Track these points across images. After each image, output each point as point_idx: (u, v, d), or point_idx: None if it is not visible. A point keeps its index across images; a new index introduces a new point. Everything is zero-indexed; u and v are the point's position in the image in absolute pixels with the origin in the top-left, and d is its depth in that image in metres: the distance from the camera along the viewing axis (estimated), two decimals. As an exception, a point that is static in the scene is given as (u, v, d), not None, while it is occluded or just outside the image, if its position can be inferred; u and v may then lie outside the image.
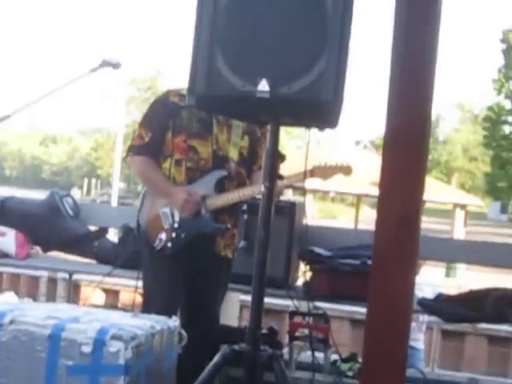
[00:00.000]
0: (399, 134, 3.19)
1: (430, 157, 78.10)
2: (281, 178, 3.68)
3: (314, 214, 36.92)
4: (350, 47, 3.31)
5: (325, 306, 5.37)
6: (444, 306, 5.49)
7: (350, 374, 5.28)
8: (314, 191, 30.44)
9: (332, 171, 4.66)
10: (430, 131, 3.28)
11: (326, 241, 5.77)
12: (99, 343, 3.32)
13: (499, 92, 50.39)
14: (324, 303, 5.38)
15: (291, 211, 5.52)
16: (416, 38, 3.25)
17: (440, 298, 5.58)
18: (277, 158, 3.45)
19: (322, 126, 3.52)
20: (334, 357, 5.35)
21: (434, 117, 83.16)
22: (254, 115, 3.77)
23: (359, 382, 3.43)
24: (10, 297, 4.23)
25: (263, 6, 3.34)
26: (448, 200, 36.62)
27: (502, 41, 49.84)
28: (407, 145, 3.19)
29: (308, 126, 3.62)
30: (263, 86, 3.22)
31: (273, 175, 3.41)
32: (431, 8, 3.23)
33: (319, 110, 3.30)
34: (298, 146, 58.68)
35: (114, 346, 3.32)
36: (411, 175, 3.17)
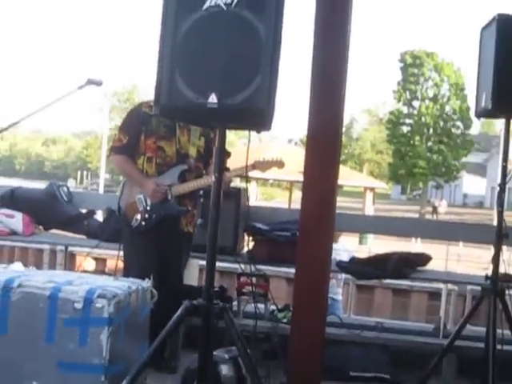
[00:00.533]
0: (318, 134, 3.37)
1: (346, 151, 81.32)
2: (227, 170, 3.88)
3: (257, 197, 36.92)
4: (280, 66, 3.39)
5: (265, 268, 5.50)
6: (356, 267, 5.72)
7: (285, 320, 5.50)
8: (257, 179, 30.68)
9: (269, 165, 4.93)
10: (341, 131, 3.48)
11: (265, 217, 5.95)
12: (88, 301, 3.58)
13: (398, 100, 53.98)
14: (264, 266, 5.52)
15: (237, 195, 5.71)
16: (330, 56, 3.39)
17: (353, 261, 5.82)
18: (224, 154, 3.59)
19: (259, 129, 3.61)
20: (273, 307, 5.49)
21: (348, 119, 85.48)
22: (206, 121, 3.92)
23: (291, 326, 3.56)
24: (17, 266, 4.34)
25: (212, 35, 3.45)
26: (360, 184, 37.96)
27: (400, 60, 53.69)
28: (324, 142, 3.36)
29: (248, 129, 3.75)
30: (212, 98, 3.37)
31: (221, 168, 3.54)
32: (342, 33, 3.38)
33: (256, 116, 3.42)
34: (244, 143, 58.53)
35: (100, 303, 3.58)
36: (327, 166, 3.34)
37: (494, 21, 4.83)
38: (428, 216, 45.12)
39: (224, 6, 3.40)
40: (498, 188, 4.94)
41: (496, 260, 4.91)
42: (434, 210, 47.91)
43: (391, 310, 15.37)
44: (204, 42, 3.46)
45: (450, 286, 8.86)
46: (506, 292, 4.93)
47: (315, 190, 3.29)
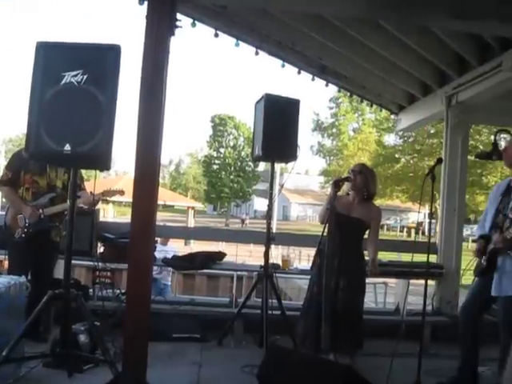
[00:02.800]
0: (142, 168, 3.35)
1: (176, 181, 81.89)
2: (79, 197, 3.80)
3: (114, 214, 35.86)
4: (116, 123, 3.40)
5: (111, 265, 5.36)
6: (175, 262, 5.72)
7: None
8: (114, 202, 29.91)
9: (113, 193, 4.87)
10: (159, 168, 3.46)
11: (113, 229, 5.79)
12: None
13: (210, 147, 54.91)
14: (111, 264, 5.37)
15: (92, 214, 5.50)
16: (151, 114, 3.37)
17: (174, 257, 5.81)
18: (76, 187, 3.56)
19: (101, 169, 3.63)
20: (118, 292, 5.31)
21: (177, 160, 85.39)
22: (63, 163, 3.89)
23: (126, 304, 3.50)
24: None
25: (68, 102, 3.41)
26: (185, 204, 38.01)
27: (211, 121, 54.40)
28: (146, 174, 3.34)
29: (94, 168, 3.73)
30: (67, 147, 3.32)
31: (74, 196, 3.48)
32: (159, 98, 3.39)
33: (99, 160, 3.43)
34: (104, 177, 57.12)
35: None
36: (149, 192, 3.31)
37: (263, 98, 5.03)
38: (237, 226, 45.62)
39: (76, 83, 3.38)
40: (267, 207, 5.16)
41: (266, 255, 5.09)
42: (242, 222, 48.69)
43: (207, 290, 15.55)
44: (62, 107, 3.41)
45: (244, 272, 9.09)
46: (274, 275, 5.12)
47: (141, 209, 3.29)
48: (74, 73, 3.36)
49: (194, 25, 5.29)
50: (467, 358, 4.23)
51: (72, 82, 3.37)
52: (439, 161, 4.16)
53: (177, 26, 3.53)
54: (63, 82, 3.37)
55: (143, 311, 3.39)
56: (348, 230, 4.43)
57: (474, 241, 4.33)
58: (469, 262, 4.27)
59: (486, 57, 5.49)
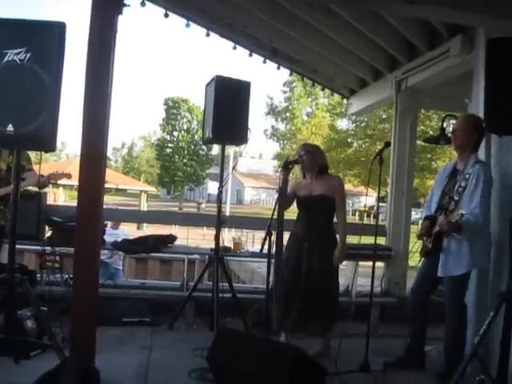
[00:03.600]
0: (88, 152, 3.28)
1: (128, 165, 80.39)
2: (23, 179, 3.68)
3: (65, 198, 35.07)
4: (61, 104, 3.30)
5: (60, 248, 5.25)
6: (125, 246, 5.63)
7: (74, 285, 5.25)
8: (64, 185, 29.05)
9: (60, 176, 4.70)
10: (106, 151, 3.38)
11: (61, 212, 5.65)
12: None
13: (163, 131, 53.79)
14: (60, 248, 5.26)
15: (39, 197, 5.34)
16: (97, 98, 3.29)
17: (124, 241, 5.71)
18: (20, 169, 3.44)
19: (46, 150, 3.56)
20: (66, 276, 5.22)
21: (130, 143, 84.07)
22: (6, 145, 3.74)
23: (72, 288, 3.44)
24: None
25: (11, 81, 3.29)
26: (138, 188, 37.41)
27: (164, 104, 53.40)
28: (93, 158, 3.27)
29: (38, 150, 3.62)
30: (10, 127, 3.22)
31: (17, 178, 3.37)
32: (106, 79, 3.31)
33: (43, 141, 3.32)
34: (54, 160, 55.80)
35: None
36: (96, 175, 3.25)
37: (213, 79, 4.99)
38: (192, 210, 45.22)
39: (19, 61, 3.28)
40: (218, 190, 5.14)
41: (217, 238, 5.09)
42: (198, 206, 48.38)
43: (160, 274, 15.48)
44: (4, 86, 3.29)
45: (197, 256, 9.04)
46: (225, 258, 5.13)
47: (87, 192, 3.22)
48: (17, 50, 3.25)
49: (143, 4, 5.19)
50: (415, 338, 4.33)
51: (15, 60, 3.26)
52: (387, 144, 4.22)
53: (125, 5, 3.47)
54: (5, 59, 3.26)
55: (90, 296, 3.35)
56: (314, 209, 4.48)
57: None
58: (414, 244, 4.37)
59: (434, 43, 5.58)
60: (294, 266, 4.43)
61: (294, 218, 4.68)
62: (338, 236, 4.52)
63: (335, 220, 4.61)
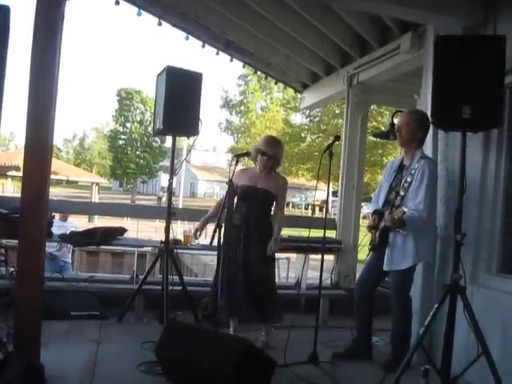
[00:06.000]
0: (33, 143, 3.19)
1: (80, 156, 79.16)
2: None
3: (14, 190, 34.10)
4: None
5: (5, 242, 5.14)
6: (73, 238, 5.50)
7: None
8: (13, 176, 28.15)
9: (7, 169, 4.56)
10: (52, 142, 3.29)
11: (7, 204, 5.47)
12: None
13: (116, 122, 52.85)
14: (5, 240, 5.14)
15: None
16: (43, 88, 3.19)
17: (72, 233, 5.57)
18: None
19: None
20: (12, 269, 5.06)
21: (81, 134, 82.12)
22: None
23: (16, 282, 3.36)
24: None
25: None
26: (90, 180, 36.53)
27: (117, 94, 52.48)
28: (38, 149, 3.18)
29: None
30: None
31: None
32: (52, 71, 3.21)
33: None
34: (2, 150, 54.64)
35: None
36: (40, 166, 3.17)
37: (164, 70, 4.93)
38: (146, 202, 44.68)
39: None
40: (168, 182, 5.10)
41: (167, 230, 5.05)
42: (159, 199, 47.80)
43: (111, 267, 15.29)
44: None
45: (148, 249, 8.94)
46: (175, 251, 5.10)
47: (31, 182, 3.13)
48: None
49: (93, -10, 5.08)
50: (362, 329, 4.41)
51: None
52: (337, 138, 4.25)
53: (72, -10, 3.37)
54: None
55: (35, 289, 3.26)
56: (254, 200, 4.49)
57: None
58: (363, 238, 4.44)
59: (386, 39, 5.66)
60: (231, 256, 4.43)
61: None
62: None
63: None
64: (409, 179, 4.02)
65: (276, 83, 8.07)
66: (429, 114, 3.76)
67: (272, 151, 4.55)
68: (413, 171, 4.02)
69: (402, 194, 4.04)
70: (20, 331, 3.29)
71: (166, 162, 51.77)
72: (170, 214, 5.01)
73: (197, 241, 6.10)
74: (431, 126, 4.06)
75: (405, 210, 3.79)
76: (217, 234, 3.74)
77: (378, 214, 4.19)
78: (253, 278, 4.44)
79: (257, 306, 4.47)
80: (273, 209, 4.66)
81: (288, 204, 32.88)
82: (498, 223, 4.08)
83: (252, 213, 4.49)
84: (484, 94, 3.37)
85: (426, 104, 4.28)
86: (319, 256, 4.25)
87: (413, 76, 5.49)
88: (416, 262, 4.08)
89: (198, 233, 4.75)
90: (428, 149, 4.31)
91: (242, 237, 4.47)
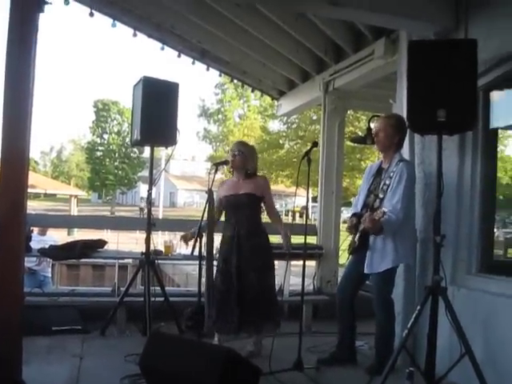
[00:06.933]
0: (10, 158, 3.14)
1: (58, 169, 77.89)
2: None
3: None
4: None
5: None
6: (52, 252, 5.45)
7: None
8: None
9: None
10: (28, 156, 3.25)
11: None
12: None
13: (93, 134, 52.67)
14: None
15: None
16: (19, 102, 3.16)
17: (51, 247, 5.51)
18: None
19: None
20: None
21: (59, 147, 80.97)
22: None
23: None
24: None
25: None
26: (68, 193, 36.20)
27: (94, 106, 52.16)
28: (15, 164, 3.14)
29: None
30: None
31: None
32: (27, 83, 3.18)
33: None
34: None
35: None
36: (17, 181, 3.13)
37: (141, 80, 4.91)
38: (125, 214, 44.45)
39: None
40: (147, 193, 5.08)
41: (147, 241, 5.01)
42: (141, 211, 47.55)
43: (92, 280, 15.15)
44: None
45: (129, 260, 8.86)
46: (156, 262, 5.06)
47: (8, 197, 3.08)
48: None
49: (67, 2, 5.05)
50: (345, 334, 4.41)
51: None
52: (314, 144, 4.27)
53: (46, 2, 3.33)
54: None
55: (14, 305, 3.20)
56: (241, 208, 4.46)
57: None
58: (342, 242, 4.45)
59: (360, 45, 5.71)
60: (224, 268, 4.41)
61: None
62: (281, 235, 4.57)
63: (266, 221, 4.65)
64: (387, 182, 4.05)
65: (253, 91, 8.10)
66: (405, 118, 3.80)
67: (237, 147, 4.57)
68: (391, 174, 4.05)
69: (380, 196, 4.06)
70: (0, 348, 3.22)
71: (145, 173, 51.59)
72: (150, 224, 4.98)
73: (178, 250, 6.08)
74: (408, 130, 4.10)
75: (385, 210, 3.80)
76: (198, 244, 3.72)
77: (357, 216, 4.21)
78: (251, 290, 4.37)
79: (251, 317, 4.40)
80: (268, 214, 4.68)
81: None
82: (476, 224, 4.13)
83: (241, 222, 4.44)
84: (458, 96, 3.41)
85: (401, 108, 4.33)
86: (301, 262, 4.25)
87: (388, 81, 5.55)
88: (396, 263, 4.09)
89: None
90: (405, 152, 4.34)
91: (234, 248, 4.41)
